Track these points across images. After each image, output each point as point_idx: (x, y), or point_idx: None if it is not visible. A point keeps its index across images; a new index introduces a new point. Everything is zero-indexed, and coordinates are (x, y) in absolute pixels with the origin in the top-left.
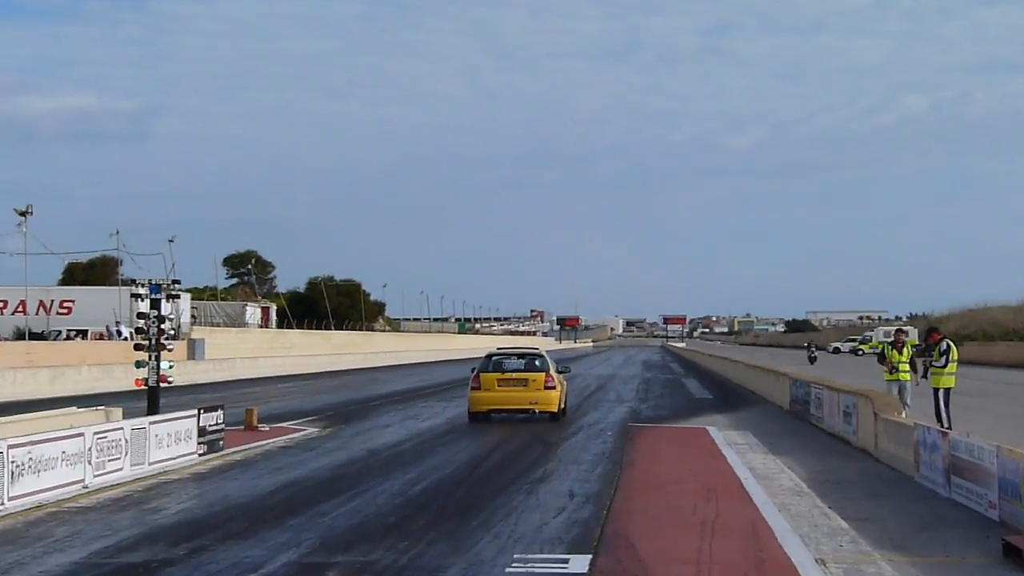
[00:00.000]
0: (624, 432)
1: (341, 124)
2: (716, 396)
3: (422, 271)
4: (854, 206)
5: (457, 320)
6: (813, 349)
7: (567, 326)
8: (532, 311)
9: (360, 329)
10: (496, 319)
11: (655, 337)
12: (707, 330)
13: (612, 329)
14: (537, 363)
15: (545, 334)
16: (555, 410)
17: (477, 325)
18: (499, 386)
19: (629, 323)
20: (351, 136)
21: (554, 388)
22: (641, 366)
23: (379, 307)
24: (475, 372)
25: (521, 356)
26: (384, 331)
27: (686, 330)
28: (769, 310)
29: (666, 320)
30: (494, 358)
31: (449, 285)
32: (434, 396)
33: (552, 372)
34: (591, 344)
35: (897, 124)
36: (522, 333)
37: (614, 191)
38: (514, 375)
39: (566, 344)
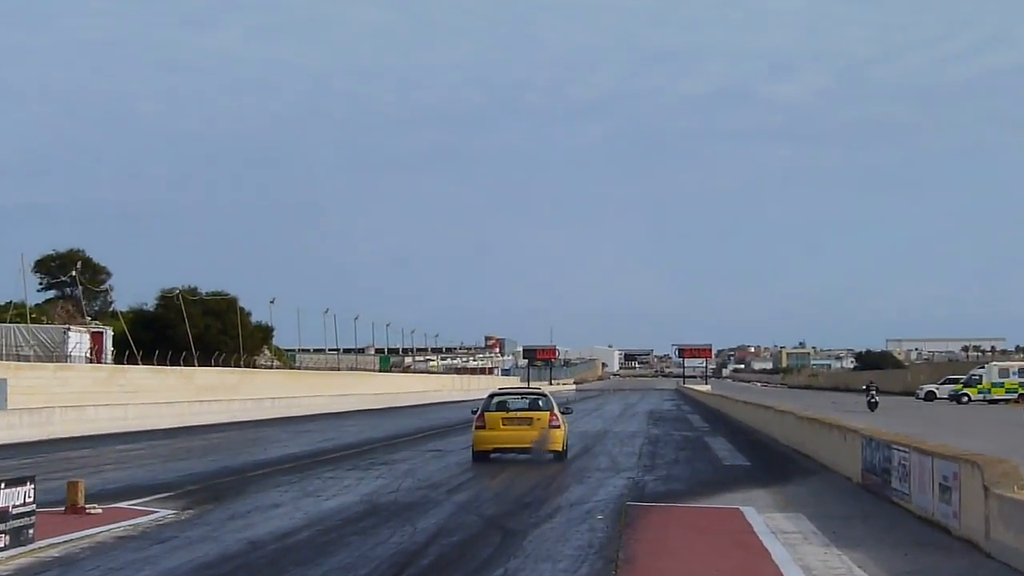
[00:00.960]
0: (621, 515)
1: (207, 65)
2: (755, 462)
3: (326, 282)
4: (955, 186)
5: (379, 351)
6: (873, 392)
7: (538, 359)
8: (488, 339)
9: (236, 365)
10: (436, 350)
11: (665, 376)
12: (741, 366)
13: (604, 365)
14: (541, 403)
15: (506, 371)
16: (560, 449)
17: (408, 359)
18: (504, 425)
19: (629, 356)
20: (221, 83)
21: (558, 427)
22: (646, 419)
23: (264, 332)
24: (478, 412)
25: (524, 396)
26: (271, 367)
27: (711, 366)
28: (832, 338)
29: (682, 352)
30: (497, 398)
31: (367, 302)
32: (345, 462)
33: (556, 412)
34: (573, 386)
35: (1018, 67)
36: (472, 371)
37: (603, 165)
38: (518, 414)
39: (538, 386)
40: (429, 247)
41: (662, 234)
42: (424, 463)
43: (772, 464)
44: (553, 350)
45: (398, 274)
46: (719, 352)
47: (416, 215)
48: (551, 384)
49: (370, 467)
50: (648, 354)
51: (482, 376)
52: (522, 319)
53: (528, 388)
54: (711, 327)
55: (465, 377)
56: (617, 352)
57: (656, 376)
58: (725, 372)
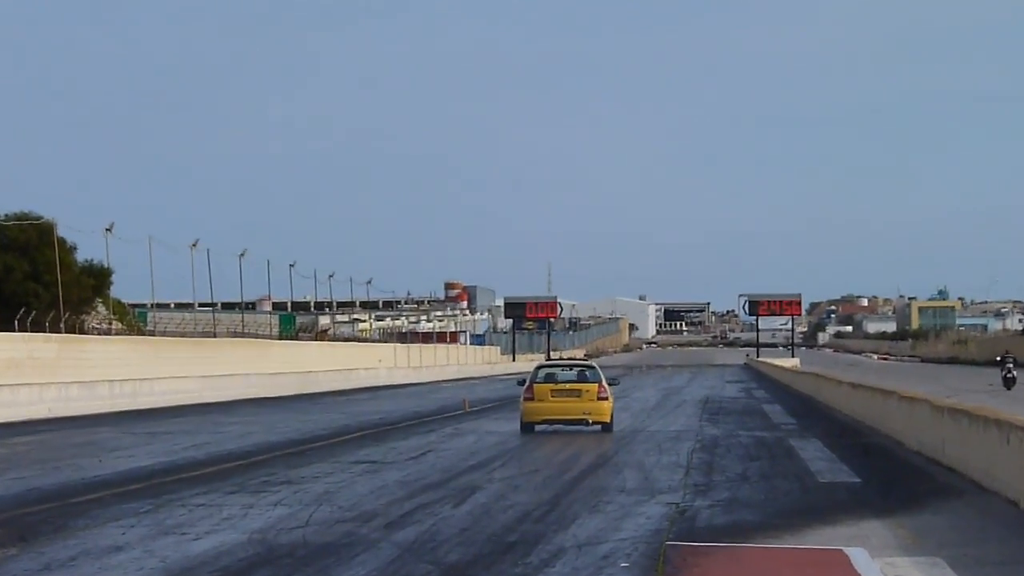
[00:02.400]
0: (658, 561)
1: None
2: (867, 477)
3: (193, 200)
4: None
5: (279, 307)
6: (1010, 365)
7: (529, 319)
8: (450, 287)
9: (54, 329)
10: (369, 305)
11: (728, 344)
12: (848, 328)
13: (634, 328)
14: (588, 374)
15: (478, 339)
16: (608, 420)
17: (324, 319)
18: (552, 397)
19: (671, 314)
20: None
21: (606, 399)
22: (697, 411)
23: (97, 278)
24: (527, 383)
25: (573, 367)
26: (108, 332)
27: (800, 328)
28: (994, 288)
29: (755, 306)
30: (545, 370)
31: (259, 233)
32: (225, 480)
33: (604, 383)
34: (584, 358)
35: None
36: (425, 336)
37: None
38: (567, 386)
39: (528, 360)
40: (358, 146)
41: (717, 128)
42: (349, 482)
43: (894, 480)
44: (553, 303)
45: (307, 189)
46: (813, 307)
47: (340, 85)
48: (554, 355)
49: (264, 488)
50: (701, 311)
51: (441, 346)
52: (504, 259)
53: (576, 360)
54: (800, 270)
55: (415, 348)
56: (654, 308)
57: (714, 344)
58: (823, 337)
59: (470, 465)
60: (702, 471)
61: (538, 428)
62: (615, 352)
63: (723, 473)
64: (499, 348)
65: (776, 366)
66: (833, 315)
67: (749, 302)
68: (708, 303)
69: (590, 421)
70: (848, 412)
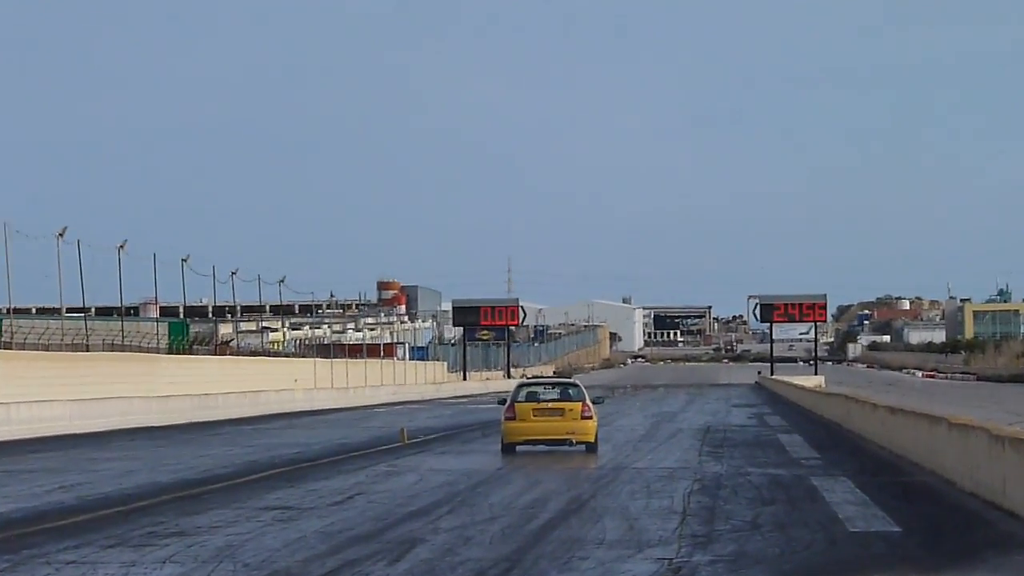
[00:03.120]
0: None
1: None
2: (908, 525)
3: (56, 183)
4: None
5: (167, 313)
6: None
7: (484, 327)
8: (384, 286)
9: None
10: (285, 309)
11: (735, 358)
12: (885, 338)
13: (616, 339)
14: (572, 392)
15: (420, 352)
16: (592, 440)
17: (226, 329)
18: (535, 416)
19: (663, 320)
20: None
21: (591, 418)
22: (696, 443)
23: None
24: (508, 402)
25: (555, 385)
26: None
27: (826, 338)
28: None
29: (768, 311)
30: (526, 388)
31: (144, 223)
32: (101, 531)
33: (588, 402)
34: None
35: None
36: (356, 351)
37: None
38: (550, 405)
39: (483, 380)
40: (264, 114)
41: (721, 88)
42: (256, 533)
43: (942, 529)
44: (514, 308)
45: (201, 166)
46: (841, 311)
47: (241, 44)
48: (508, 378)
49: (150, 540)
50: (701, 316)
51: (374, 362)
52: (453, 253)
53: (559, 378)
54: (824, 266)
55: (341, 363)
56: (641, 313)
57: (718, 359)
58: (853, 350)
59: (410, 512)
60: (702, 518)
61: (520, 449)
62: (592, 368)
63: (728, 520)
64: (446, 364)
65: (795, 386)
66: (866, 321)
67: (761, 306)
68: (709, 307)
69: (574, 441)
70: (885, 444)
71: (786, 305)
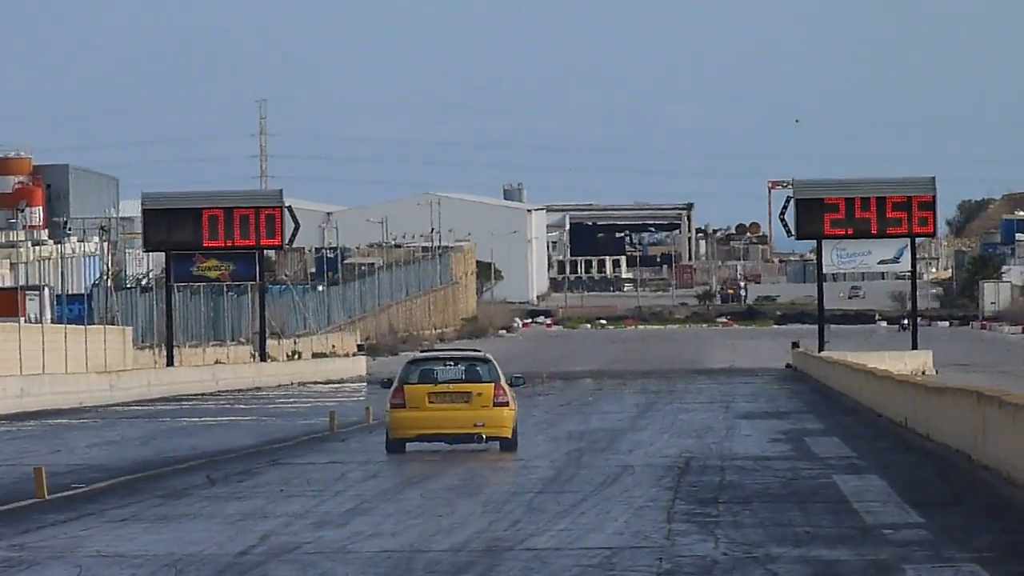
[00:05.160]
0: None
1: None
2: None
3: None
4: None
5: None
6: None
7: (213, 254)
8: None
9: None
10: None
11: (731, 312)
12: None
13: (496, 274)
14: (481, 371)
15: (75, 305)
16: (509, 435)
17: None
18: (431, 402)
19: (585, 232)
20: None
21: (506, 404)
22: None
23: None
24: (395, 384)
25: (459, 361)
26: None
27: (940, 268)
28: None
29: (803, 212)
30: (420, 365)
31: None
32: None
33: (503, 383)
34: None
35: None
36: None
37: None
38: (451, 387)
39: (200, 369)
40: None
41: None
42: None
43: None
44: (276, 211)
45: None
46: (967, 215)
47: None
48: (261, 360)
49: None
50: (671, 225)
51: None
52: (137, 111)
53: (465, 350)
54: (917, 137)
55: None
56: (545, 220)
57: (707, 317)
58: (994, 296)
59: None
60: None
61: (411, 447)
62: (443, 335)
63: None
64: (131, 331)
65: (870, 373)
66: (1019, 235)
67: (798, 203)
68: (688, 207)
69: (484, 436)
70: None
71: (850, 202)
